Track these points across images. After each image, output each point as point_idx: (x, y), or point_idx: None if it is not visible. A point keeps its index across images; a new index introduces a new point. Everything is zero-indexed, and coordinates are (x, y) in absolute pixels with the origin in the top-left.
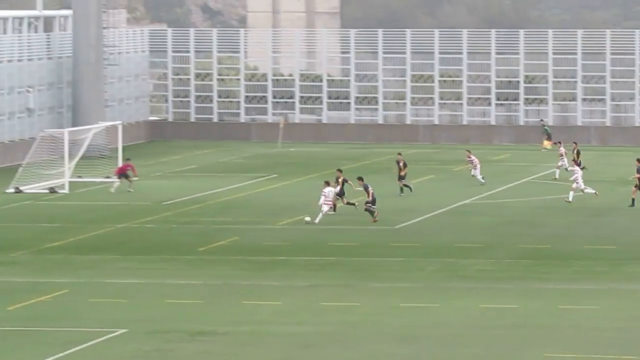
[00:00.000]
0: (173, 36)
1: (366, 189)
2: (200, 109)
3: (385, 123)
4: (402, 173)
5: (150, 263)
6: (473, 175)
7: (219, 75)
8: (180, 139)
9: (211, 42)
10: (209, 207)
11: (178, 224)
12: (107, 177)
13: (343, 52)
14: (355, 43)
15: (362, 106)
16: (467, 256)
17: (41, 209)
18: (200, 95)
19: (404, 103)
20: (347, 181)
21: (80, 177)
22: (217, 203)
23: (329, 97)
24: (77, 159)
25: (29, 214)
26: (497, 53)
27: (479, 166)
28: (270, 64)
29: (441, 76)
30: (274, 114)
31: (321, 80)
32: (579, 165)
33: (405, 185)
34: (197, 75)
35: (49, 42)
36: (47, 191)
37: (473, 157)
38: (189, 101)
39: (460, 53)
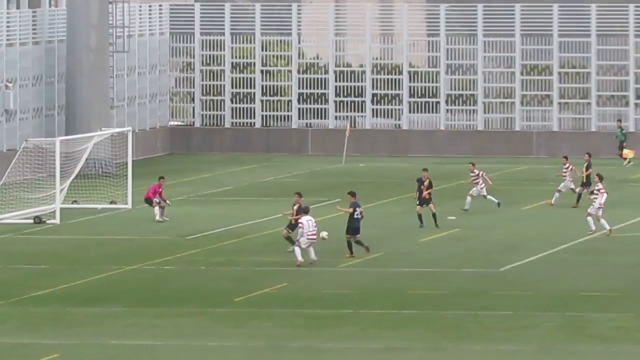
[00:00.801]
0: (202, 13)
1: (353, 208)
2: (239, 110)
3: (487, 129)
4: (426, 194)
5: (170, 318)
6: (471, 195)
7: (264, 65)
8: (211, 151)
9: (253, 21)
10: (250, 243)
11: (207, 266)
12: (113, 203)
13: (430, 35)
14: (447, 22)
15: (456, 107)
16: (596, 309)
17: (23, 244)
18: (238, 93)
19: (512, 103)
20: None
21: (76, 202)
22: (261, 237)
23: (411, 95)
24: (72, 177)
25: (6, 252)
26: (638, 36)
27: (483, 184)
28: (332, 51)
29: (562, 67)
30: (337, 118)
31: (400, 73)
32: (585, 185)
33: (433, 216)
34: (235, 66)
35: (35, 21)
36: (31, 221)
37: (477, 172)
38: (222, 100)
39: (588, 35)
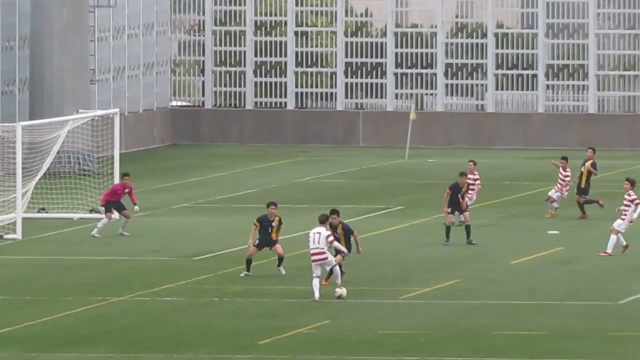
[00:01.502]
0: None
1: (347, 234)
2: (265, 86)
3: (601, 112)
4: (465, 201)
5: None
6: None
7: (299, 25)
8: (227, 141)
9: None
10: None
11: (222, 297)
12: (94, 211)
13: None
14: None
15: (559, 82)
16: None
17: None
18: (264, 63)
19: (635, 77)
20: (280, 223)
21: (44, 210)
22: (294, 258)
23: (499, 66)
24: (38, 177)
25: None
26: None
27: (475, 194)
28: (392, 6)
29: None
30: (398, 97)
31: (484, 35)
32: (582, 192)
33: (466, 228)
34: (259, 26)
35: None
36: None
37: (477, 175)
38: (242, 73)
39: None
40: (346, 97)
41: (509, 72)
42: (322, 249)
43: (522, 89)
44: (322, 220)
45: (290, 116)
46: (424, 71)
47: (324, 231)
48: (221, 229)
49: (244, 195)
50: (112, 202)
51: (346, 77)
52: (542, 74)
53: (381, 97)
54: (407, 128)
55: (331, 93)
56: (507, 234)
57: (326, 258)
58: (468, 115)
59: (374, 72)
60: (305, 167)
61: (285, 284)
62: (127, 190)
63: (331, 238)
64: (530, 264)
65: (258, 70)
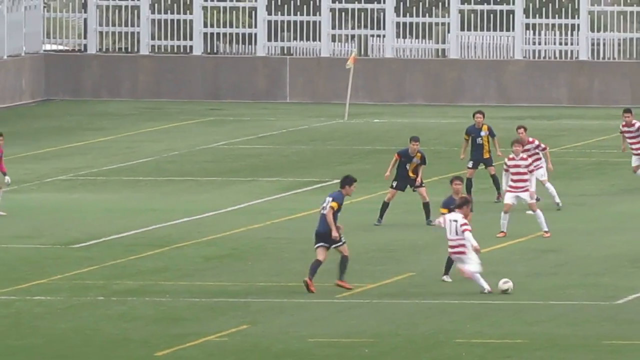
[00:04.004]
0: None
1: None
2: (164, 26)
3: (595, 59)
4: (420, 176)
5: None
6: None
7: None
8: (115, 95)
9: None
10: (182, 256)
11: (109, 295)
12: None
13: None
14: None
15: (542, 20)
16: None
17: None
18: None
19: (639, 13)
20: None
21: None
22: (201, 246)
23: (465, 0)
24: None
25: None
26: None
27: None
28: None
29: None
30: (335, 39)
31: None
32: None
33: (425, 207)
34: None
35: None
36: None
37: (538, 142)
38: (136, 8)
39: None
40: (269, 39)
41: (478, 7)
42: (460, 239)
43: (495, 30)
44: (460, 205)
45: (197, 64)
46: (368, 6)
47: (460, 218)
48: (108, 209)
49: (137, 165)
50: None
51: (269, 13)
52: (521, 9)
53: (314, 40)
54: (347, 79)
55: (250, 34)
56: (474, 216)
57: (464, 252)
58: (425, 63)
59: (305, 7)
60: (216, 129)
61: (190, 280)
62: None
63: (465, 227)
64: (504, 253)
65: (156, 5)
